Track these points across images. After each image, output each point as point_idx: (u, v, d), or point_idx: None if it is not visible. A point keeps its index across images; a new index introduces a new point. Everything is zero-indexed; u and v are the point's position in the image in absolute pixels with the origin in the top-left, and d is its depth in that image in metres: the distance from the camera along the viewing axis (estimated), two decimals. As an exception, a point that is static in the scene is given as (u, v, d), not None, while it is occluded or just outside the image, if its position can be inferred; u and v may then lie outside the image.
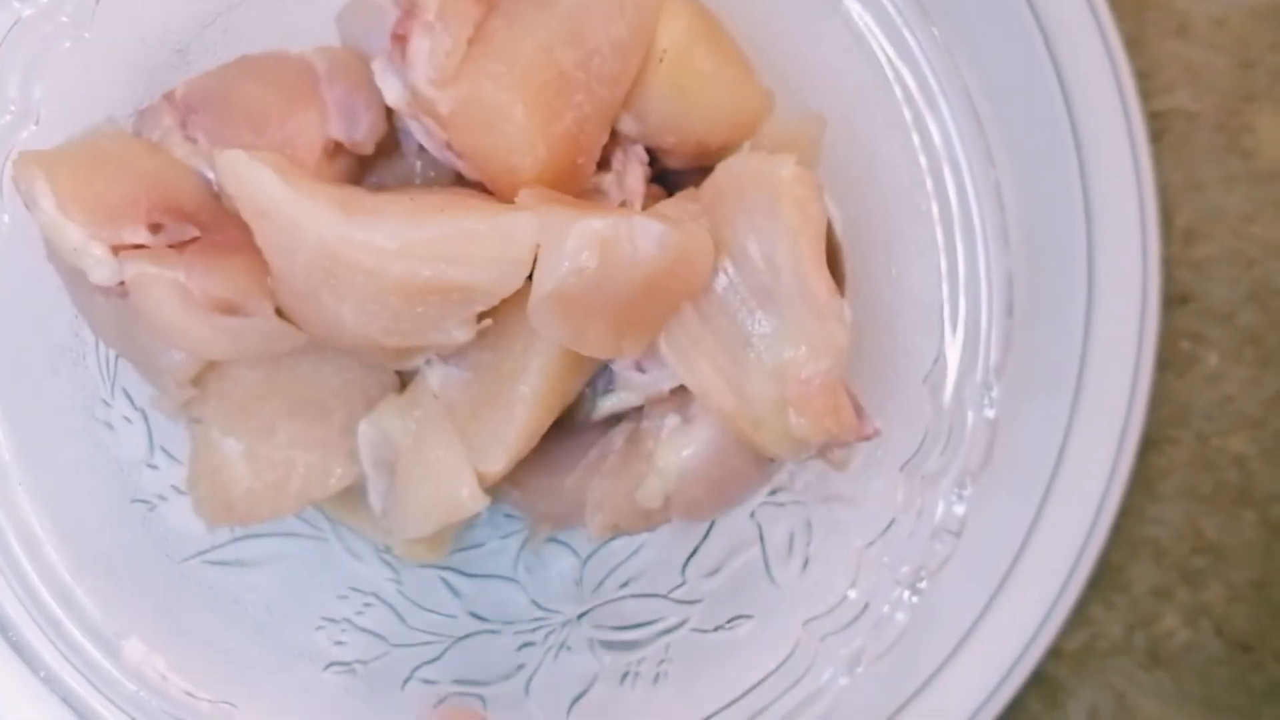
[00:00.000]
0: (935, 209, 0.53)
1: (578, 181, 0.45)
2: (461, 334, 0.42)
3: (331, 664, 0.51)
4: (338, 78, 0.46)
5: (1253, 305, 0.57)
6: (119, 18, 0.50)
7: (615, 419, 0.48)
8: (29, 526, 0.49)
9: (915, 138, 0.53)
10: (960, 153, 0.53)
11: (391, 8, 0.44)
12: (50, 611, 0.49)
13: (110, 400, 0.51)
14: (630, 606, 0.53)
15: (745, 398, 0.43)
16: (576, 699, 0.52)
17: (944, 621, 0.52)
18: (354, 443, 0.46)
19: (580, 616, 0.53)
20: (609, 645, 0.53)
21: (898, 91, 0.53)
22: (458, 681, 0.52)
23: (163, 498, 0.51)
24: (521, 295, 0.41)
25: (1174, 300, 0.56)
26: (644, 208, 0.46)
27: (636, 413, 0.47)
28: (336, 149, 0.46)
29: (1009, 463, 0.52)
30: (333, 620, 0.52)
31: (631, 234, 0.40)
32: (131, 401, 0.51)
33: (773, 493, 0.53)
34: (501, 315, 0.43)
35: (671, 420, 0.46)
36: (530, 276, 0.41)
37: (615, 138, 0.46)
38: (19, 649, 0.49)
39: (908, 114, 0.53)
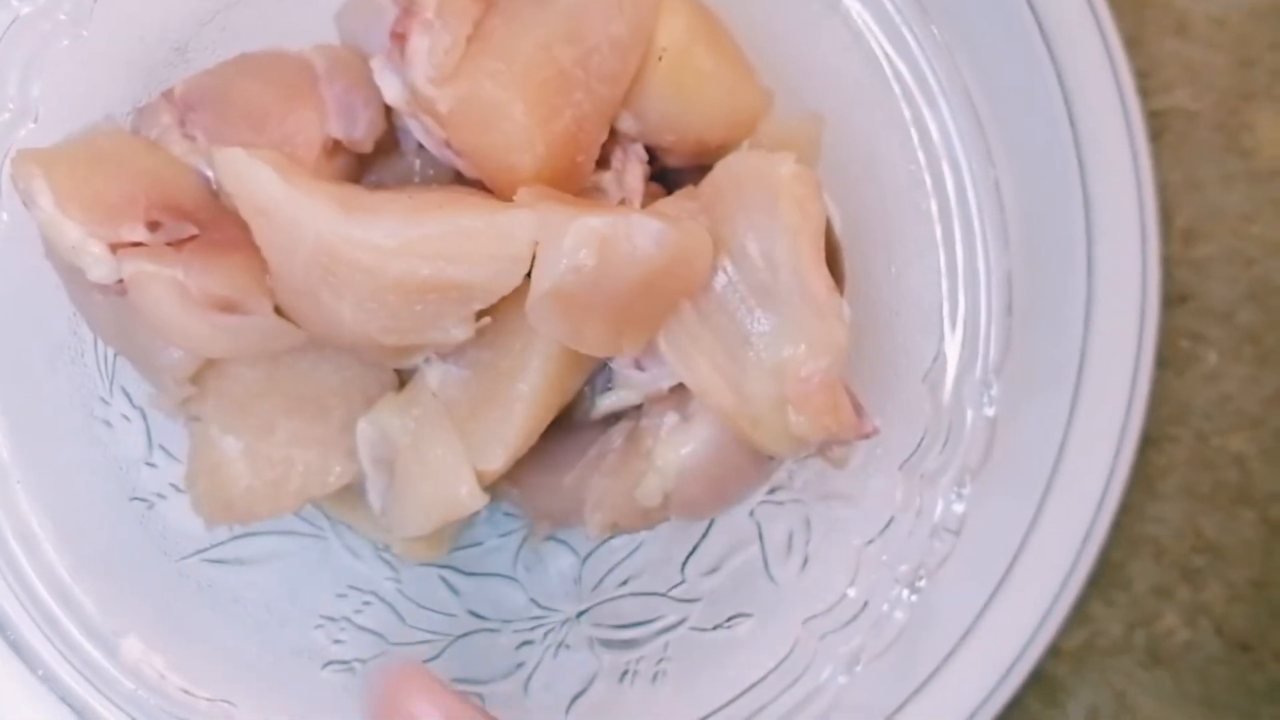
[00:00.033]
0: (934, 207, 0.53)
1: (577, 180, 0.45)
2: (460, 332, 0.42)
3: (330, 662, 0.51)
4: (337, 76, 0.46)
5: (1252, 304, 0.57)
6: (117, 15, 0.50)
7: (614, 417, 0.48)
8: (27, 524, 0.49)
9: (914, 136, 0.53)
10: (959, 151, 0.53)
11: (390, 6, 0.44)
12: (48, 610, 0.49)
13: (109, 398, 0.51)
14: (629, 605, 0.53)
15: (744, 396, 0.43)
16: (575, 697, 0.52)
17: (943, 620, 0.52)
18: (353, 441, 0.46)
19: (579, 615, 0.53)
20: (608, 644, 0.53)
21: (897, 90, 0.53)
22: (457, 680, 0.51)
23: (161, 496, 0.51)
24: (520, 293, 0.41)
25: (1173, 299, 0.56)
26: (643, 206, 0.46)
27: (635, 411, 0.47)
28: (335, 147, 0.45)
29: (1008, 461, 0.52)
30: (331, 619, 0.52)
31: (630, 232, 0.40)
32: (130, 399, 0.51)
33: (772, 491, 0.53)
34: (500, 313, 0.42)
35: (670, 418, 0.46)
36: (529, 274, 0.41)
37: (614, 136, 0.46)
38: (17, 647, 0.49)
39: (907, 112, 0.53)
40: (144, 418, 0.51)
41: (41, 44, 0.49)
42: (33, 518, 0.50)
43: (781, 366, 0.43)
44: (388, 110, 0.45)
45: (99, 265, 0.42)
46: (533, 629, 0.53)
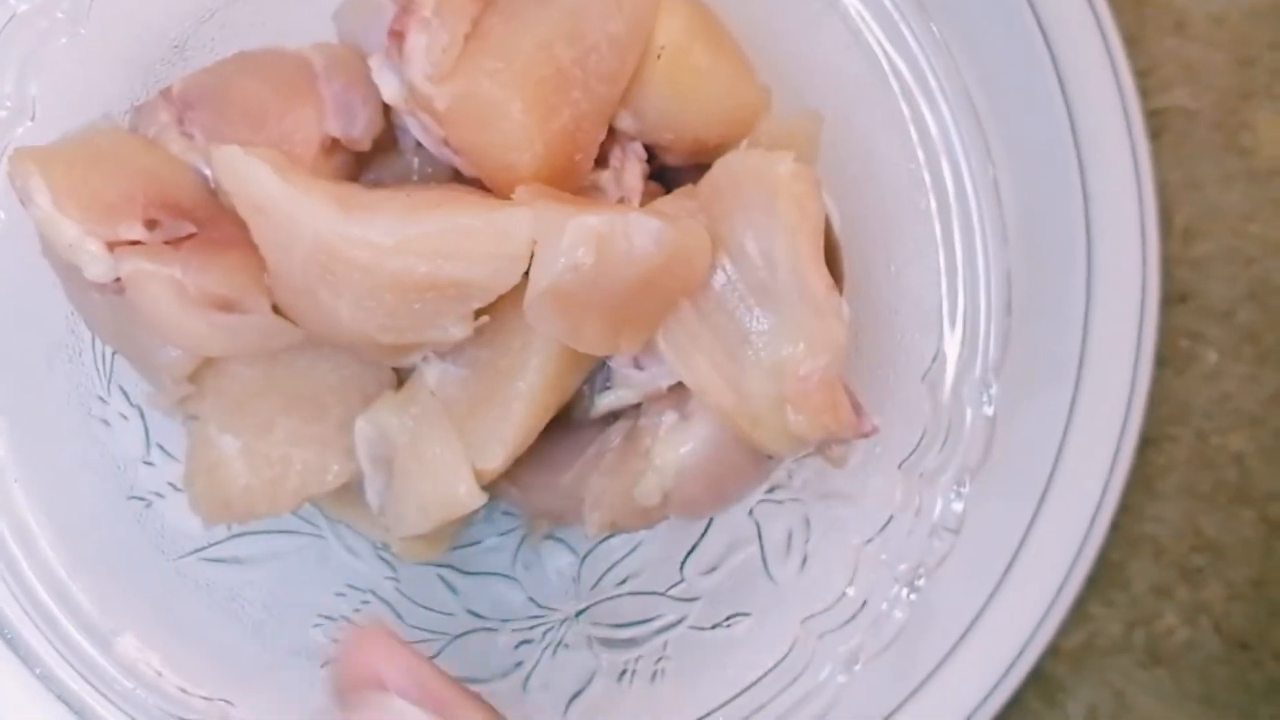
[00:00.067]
0: (934, 206, 0.53)
1: (575, 178, 0.45)
2: (458, 330, 0.42)
3: (329, 661, 0.51)
4: (335, 74, 0.45)
5: (1251, 303, 0.57)
6: (115, 13, 0.50)
7: (613, 416, 0.48)
8: (24, 523, 0.49)
9: (914, 134, 0.53)
10: (959, 149, 0.53)
11: (389, 4, 0.44)
12: (46, 608, 0.49)
13: (106, 397, 0.51)
14: (628, 604, 0.53)
15: (743, 395, 0.43)
16: (574, 696, 0.52)
17: (942, 619, 0.52)
18: (351, 439, 0.46)
19: (578, 614, 0.53)
20: (607, 643, 0.53)
21: (896, 88, 0.53)
22: (455, 679, 0.51)
23: (159, 494, 0.51)
24: (519, 292, 0.41)
25: (1173, 298, 0.56)
26: (641, 204, 0.45)
27: (634, 410, 0.47)
28: (333, 145, 0.45)
29: (1008, 460, 0.52)
30: (330, 618, 0.52)
31: (628, 230, 0.40)
32: (128, 398, 0.51)
33: (771, 490, 0.53)
34: (499, 312, 0.42)
35: (669, 417, 0.46)
36: (528, 273, 0.41)
37: (613, 134, 0.46)
38: (14, 646, 0.49)
39: (906, 110, 0.53)
40: (142, 416, 0.51)
41: (39, 41, 0.49)
42: (30, 516, 0.49)
43: (780, 365, 0.43)
44: (386, 108, 0.45)
45: (96, 263, 0.42)
46: (531, 628, 0.53)
